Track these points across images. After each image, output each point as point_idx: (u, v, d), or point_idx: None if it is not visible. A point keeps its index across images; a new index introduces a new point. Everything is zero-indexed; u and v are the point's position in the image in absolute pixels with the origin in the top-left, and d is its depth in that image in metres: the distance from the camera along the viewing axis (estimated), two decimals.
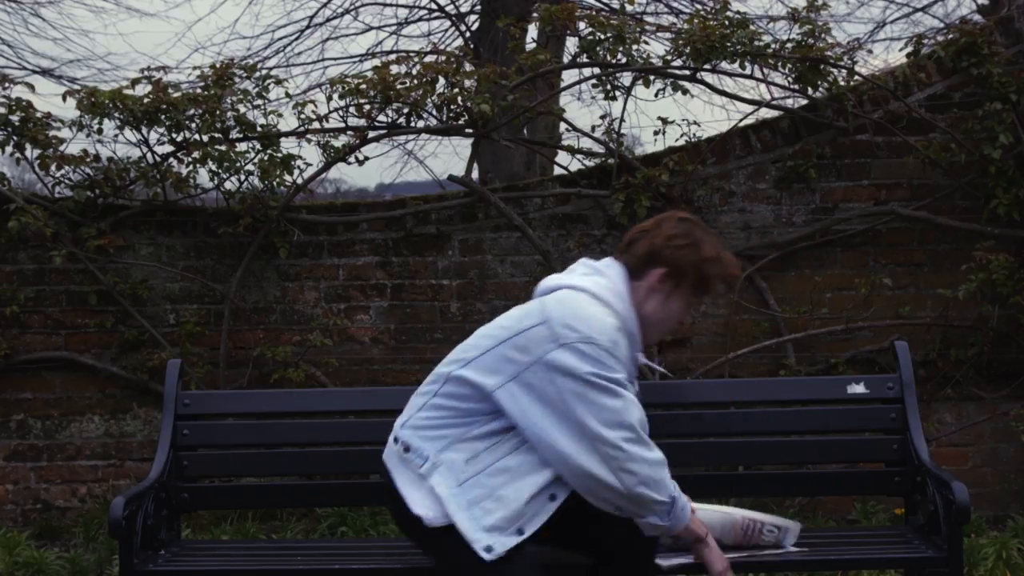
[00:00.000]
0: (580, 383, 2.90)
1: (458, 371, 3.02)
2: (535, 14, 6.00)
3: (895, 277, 5.39)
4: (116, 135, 5.35)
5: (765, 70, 5.40)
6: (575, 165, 5.70)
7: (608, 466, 2.90)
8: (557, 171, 5.93)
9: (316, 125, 5.37)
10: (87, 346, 5.51)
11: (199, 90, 5.31)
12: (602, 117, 5.45)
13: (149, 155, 5.41)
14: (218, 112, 5.28)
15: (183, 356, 5.19)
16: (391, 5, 12.15)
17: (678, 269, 3.08)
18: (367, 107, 5.31)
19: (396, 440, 3.08)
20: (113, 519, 3.27)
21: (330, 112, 5.35)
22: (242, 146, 5.39)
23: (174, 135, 5.33)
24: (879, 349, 5.34)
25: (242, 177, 5.40)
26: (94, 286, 5.43)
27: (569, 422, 2.90)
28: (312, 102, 5.37)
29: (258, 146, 5.38)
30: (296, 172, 5.40)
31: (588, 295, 3.01)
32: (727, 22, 5.28)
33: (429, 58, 5.47)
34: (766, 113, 5.59)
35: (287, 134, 5.40)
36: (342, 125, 5.39)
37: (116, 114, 5.25)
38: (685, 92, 5.47)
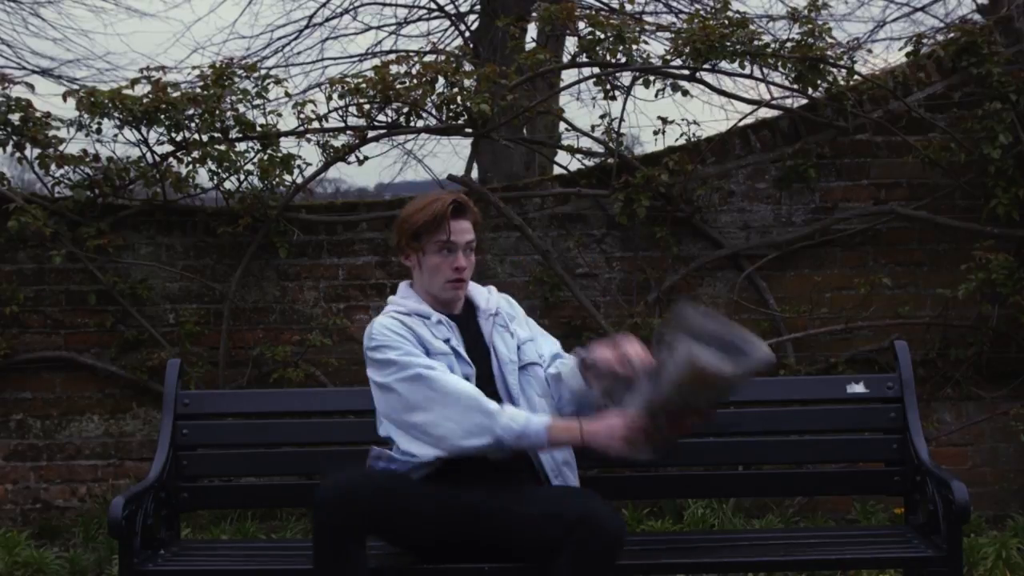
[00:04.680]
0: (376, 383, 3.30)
1: None
2: (534, 14, 6.01)
3: (895, 277, 5.39)
4: (115, 135, 5.36)
5: (765, 70, 5.40)
6: (575, 165, 5.71)
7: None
8: (557, 171, 5.92)
9: (315, 125, 5.37)
10: (87, 346, 5.51)
11: (198, 90, 5.31)
12: (602, 117, 5.45)
13: (148, 155, 5.41)
14: (217, 112, 5.28)
15: (183, 356, 5.18)
16: (390, 5, 12.15)
17: (399, 246, 3.39)
18: (367, 107, 5.31)
19: None
20: (113, 519, 3.26)
21: (329, 112, 5.35)
22: (241, 146, 5.39)
23: (173, 135, 5.33)
24: (879, 349, 5.34)
25: (241, 177, 5.40)
26: (93, 286, 5.43)
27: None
28: (312, 102, 5.37)
29: (258, 146, 5.38)
30: (296, 172, 5.41)
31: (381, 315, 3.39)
32: (727, 22, 5.28)
33: (429, 58, 5.48)
34: (766, 113, 5.59)
35: (287, 134, 5.40)
36: (342, 125, 5.40)
37: (115, 114, 5.24)
38: (685, 93, 5.47)
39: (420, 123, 5.44)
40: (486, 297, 3.47)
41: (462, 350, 3.30)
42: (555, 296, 5.42)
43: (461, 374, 3.25)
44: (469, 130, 5.48)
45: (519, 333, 3.44)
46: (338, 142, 5.40)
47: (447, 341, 3.30)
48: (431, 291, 3.36)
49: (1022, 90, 5.25)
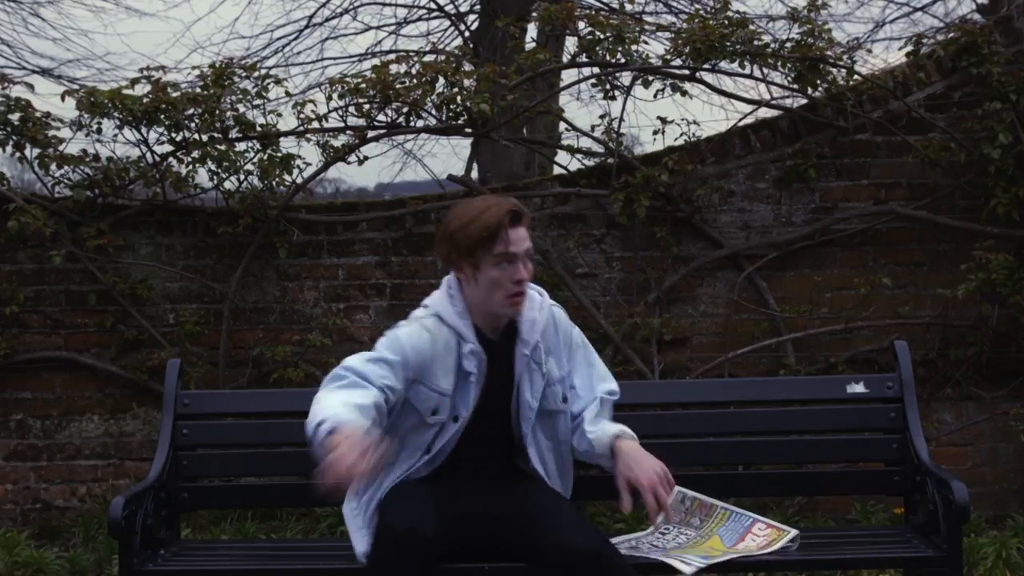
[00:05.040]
0: None
1: None
2: (534, 13, 6.01)
3: (895, 277, 5.39)
4: (115, 135, 5.35)
5: (765, 70, 5.40)
6: (574, 165, 5.71)
7: None
8: (556, 171, 5.92)
9: (315, 125, 5.37)
10: (87, 346, 5.51)
11: (198, 89, 5.31)
12: (601, 117, 5.45)
13: (148, 155, 5.41)
14: (217, 112, 5.28)
15: (182, 356, 5.18)
16: (390, 5, 12.16)
17: (452, 259, 3.19)
18: (366, 107, 5.31)
19: None
20: (113, 519, 3.27)
21: (329, 112, 5.35)
22: (241, 146, 5.39)
23: (173, 135, 5.33)
24: (879, 349, 5.34)
25: (241, 177, 5.40)
26: (93, 286, 5.43)
27: None
28: (311, 102, 5.38)
29: (257, 146, 5.38)
30: (295, 172, 5.41)
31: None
32: (727, 22, 5.28)
33: (428, 58, 5.48)
34: (765, 113, 5.59)
35: (286, 134, 5.40)
36: (341, 125, 5.40)
37: (115, 114, 5.24)
38: (684, 93, 5.47)
39: (420, 123, 5.44)
40: (531, 321, 3.22)
41: (472, 393, 3.17)
42: (555, 296, 5.33)
43: (446, 417, 3.17)
44: (469, 130, 5.48)
45: (552, 371, 3.27)
46: (338, 142, 5.40)
47: (467, 376, 3.16)
48: (486, 307, 3.16)
49: (1022, 90, 5.25)
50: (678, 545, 3.34)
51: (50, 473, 5.52)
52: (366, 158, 5.50)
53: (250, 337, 5.49)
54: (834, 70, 5.32)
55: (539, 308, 3.25)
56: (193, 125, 5.30)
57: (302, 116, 5.34)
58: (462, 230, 3.12)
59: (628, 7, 5.87)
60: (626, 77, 5.71)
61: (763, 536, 3.37)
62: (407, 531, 2.93)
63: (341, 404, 2.95)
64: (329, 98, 5.32)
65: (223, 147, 5.33)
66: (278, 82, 5.45)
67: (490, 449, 3.24)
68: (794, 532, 3.38)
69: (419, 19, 12.33)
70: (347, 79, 5.43)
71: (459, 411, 3.18)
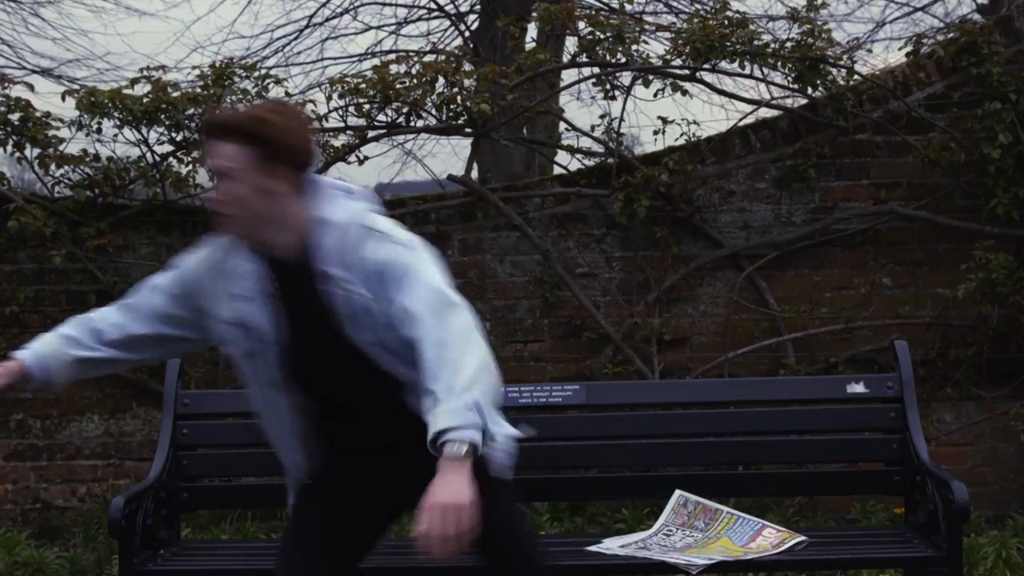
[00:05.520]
0: None
1: None
2: (534, 13, 6.00)
3: (895, 277, 5.39)
4: (115, 135, 5.35)
5: (765, 70, 5.40)
6: (575, 165, 5.72)
7: None
8: (557, 171, 5.93)
9: (315, 125, 5.37)
10: None
11: (198, 89, 5.31)
12: (601, 117, 5.45)
13: (148, 154, 5.41)
14: (218, 112, 5.27)
15: (182, 355, 5.17)
16: (390, 5, 12.14)
17: None
18: (366, 107, 5.31)
19: None
20: (113, 519, 3.27)
21: (329, 112, 5.35)
22: None
23: (173, 134, 5.33)
24: (879, 348, 5.34)
25: None
26: (94, 286, 5.43)
27: None
28: (312, 102, 5.38)
29: None
30: None
31: None
32: (727, 22, 5.29)
33: (428, 58, 5.48)
34: (766, 112, 5.59)
35: None
36: (342, 125, 5.40)
37: (115, 113, 5.24)
38: (684, 92, 5.47)
39: (420, 123, 5.44)
40: (324, 248, 2.70)
41: (265, 315, 2.77)
42: (555, 296, 5.41)
43: (251, 347, 2.86)
44: (469, 130, 5.48)
45: (377, 305, 2.68)
46: (338, 142, 5.40)
47: (244, 298, 2.78)
48: None
49: (1022, 90, 5.25)
50: (686, 546, 3.34)
51: (50, 473, 5.52)
52: (366, 158, 5.50)
53: None
54: (834, 70, 5.33)
55: (341, 237, 2.72)
56: (193, 125, 5.29)
57: None
58: None
59: (628, 7, 5.87)
60: (626, 77, 5.71)
61: (774, 537, 3.37)
62: None
63: (53, 333, 3.18)
64: (329, 98, 5.33)
65: None
66: (278, 82, 5.45)
67: (364, 388, 2.77)
68: (803, 537, 3.39)
69: (419, 19, 12.32)
70: (347, 79, 5.43)
71: (264, 335, 2.81)
